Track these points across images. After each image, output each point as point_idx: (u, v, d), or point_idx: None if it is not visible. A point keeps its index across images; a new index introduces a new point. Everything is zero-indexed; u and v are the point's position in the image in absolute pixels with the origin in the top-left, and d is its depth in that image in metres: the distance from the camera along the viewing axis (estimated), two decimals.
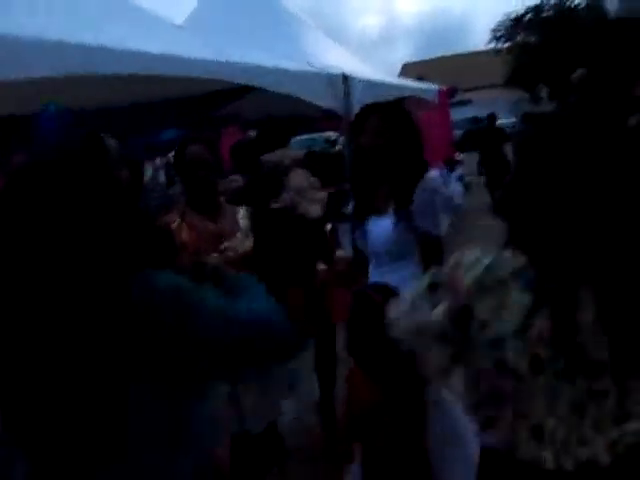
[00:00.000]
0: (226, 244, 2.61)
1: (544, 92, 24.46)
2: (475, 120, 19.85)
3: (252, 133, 9.88)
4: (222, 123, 6.05)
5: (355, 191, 2.74)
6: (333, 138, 18.78)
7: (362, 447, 2.02)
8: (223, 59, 3.05)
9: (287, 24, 5.79)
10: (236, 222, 2.74)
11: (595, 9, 22.73)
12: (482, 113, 21.59)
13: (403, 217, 2.34)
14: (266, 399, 2.69)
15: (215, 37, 4.26)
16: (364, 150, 2.50)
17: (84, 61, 2.28)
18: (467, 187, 11.41)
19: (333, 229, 3.55)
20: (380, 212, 2.47)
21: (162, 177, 8.28)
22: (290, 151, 3.62)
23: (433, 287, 1.30)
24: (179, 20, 5.81)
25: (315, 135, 13.52)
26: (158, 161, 8.30)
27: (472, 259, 1.23)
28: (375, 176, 2.50)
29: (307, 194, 3.27)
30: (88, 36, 2.43)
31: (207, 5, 6.22)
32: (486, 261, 1.21)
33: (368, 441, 2.00)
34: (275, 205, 3.21)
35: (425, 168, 2.48)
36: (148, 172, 6.30)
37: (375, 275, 2.52)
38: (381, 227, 2.43)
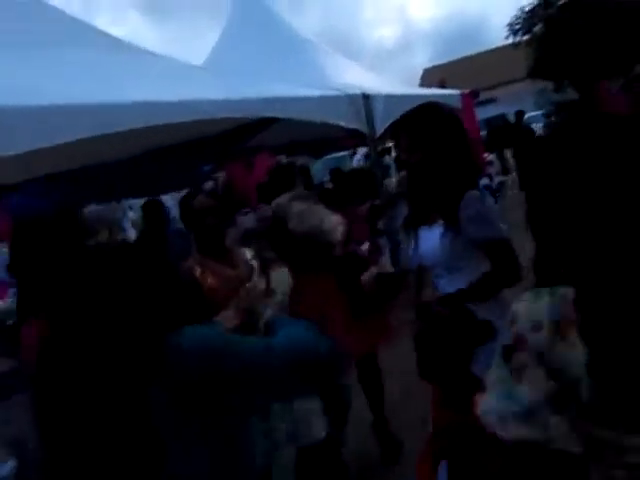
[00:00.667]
0: (247, 286, 2.66)
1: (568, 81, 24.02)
2: (502, 118, 19.57)
3: (282, 158, 10.07)
4: (251, 153, 6.20)
5: (409, 205, 2.63)
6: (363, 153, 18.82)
7: (448, 465, 1.95)
8: (244, 96, 3.16)
9: (302, 51, 5.90)
10: (247, 264, 2.85)
11: None
12: (509, 110, 21.31)
13: (451, 228, 2.21)
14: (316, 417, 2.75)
15: (235, 74, 4.39)
16: (407, 165, 2.44)
17: (108, 120, 2.39)
18: (500, 188, 11.08)
19: (374, 245, 3.56)
20: (430, 224, 2.35)
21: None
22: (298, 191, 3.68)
23: (507, 355, 1.28)
24: (199, 61, 6.03)
25: (342, 153, 13.57)
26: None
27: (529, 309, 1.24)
28: (421, 189, 2.40)
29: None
30: (112, 94, 2.56)
31: (224, 44, 6.41)
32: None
33: (454, 459, 1.94)
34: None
35: (475, 172, 2.41)
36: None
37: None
38: (431, 239, 2.32)
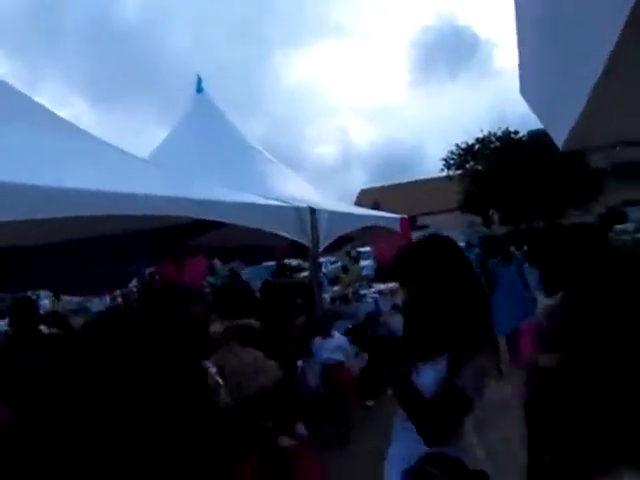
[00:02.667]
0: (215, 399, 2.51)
1: (496, 216, 25.61)
2: None
3: (216, 262, 9.86)
4: (190, 252, 5.99)
5: (405, 337, 2.37)
6: (294, 265, 18.82)
7: None
8: (193, 197, 3.03)
9: (251, 158, 5.95)
10: (214, 378, 2.64)
11: (537, 140, 24.41)
12: None
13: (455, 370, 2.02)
14: None
15: (183, 173, 4.30)
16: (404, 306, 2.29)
17: (45, 205, 2.22)
18: None
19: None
20: (428, 359, 2.16)
21: None
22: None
23: None
24: (145, 153, 5.93)
25: (270, 263, 13.40)
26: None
27: None
28: (422, 323, 2.22)
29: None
30: (50, 178, 2.39)
31: (172, 140, 6.39)
32: None
33: None
34: None
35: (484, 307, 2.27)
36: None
37: None
38: (429, 377, 2.10)
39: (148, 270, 7.34)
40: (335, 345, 5.60)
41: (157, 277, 7.86)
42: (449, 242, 2.27)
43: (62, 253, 4.06)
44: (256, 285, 8.58)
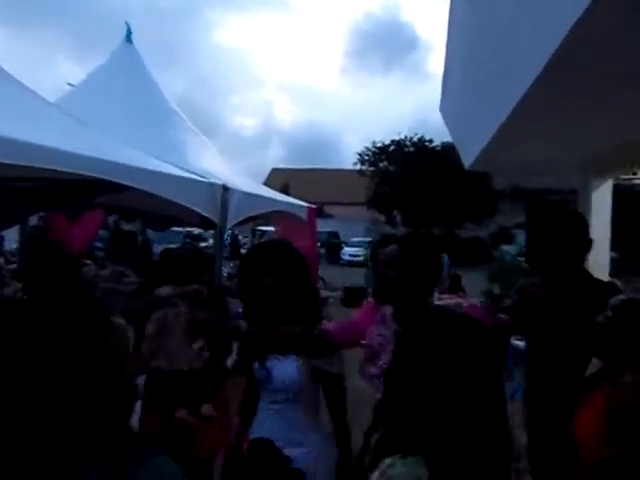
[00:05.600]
0: None
1: (399, 218, 26.45)
2: (334, 235, 20.93)
3: (112, 219, 9.51)
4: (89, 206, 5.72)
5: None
6: (196, 233, 18.54)
7: None
8: (108, 158, 2.91)
9: (169, 123, 5.77)
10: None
11: (449, 153, 25.49)
12: (341, 229, 22.81)
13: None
14: None
15: (97, 124, 4.08)
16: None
17: None
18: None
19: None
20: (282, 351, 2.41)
21: None
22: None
23: None
24: (56, 92, 5.55)
25: (176, 229, 13.15)
26: None
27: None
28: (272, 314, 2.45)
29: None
30: None
31: (87, 88, 6.04)
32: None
33: None
34: None
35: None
36: None
37: None
38: (285, 368, 2.39)
39: (32, 221, 6.97)
40: None
41: (45, 226, 7.47)
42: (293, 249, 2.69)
43: None
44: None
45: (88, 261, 9.30)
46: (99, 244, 14.71)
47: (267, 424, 2.27)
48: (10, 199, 3.59)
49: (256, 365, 2.35)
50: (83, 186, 3.83)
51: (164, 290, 3.36)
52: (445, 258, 10.77)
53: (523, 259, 9.25)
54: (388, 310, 2.34)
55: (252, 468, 1.97)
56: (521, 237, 21.46)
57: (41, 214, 6.91)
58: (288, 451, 2.11)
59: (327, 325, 2.57)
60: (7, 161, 2.39)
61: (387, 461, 1.34)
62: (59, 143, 2.77)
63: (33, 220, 7.02)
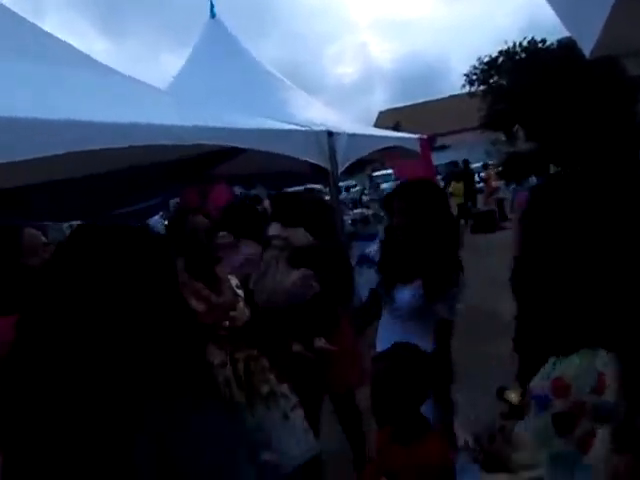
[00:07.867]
0: (232, 314, 2.71)
1: (520, 133, 24.92)
2: (454, 164, 20.25)
3: (238, 189, 9.95)
4: (207, 182, 6.09)
5: (383, 264, 2.92)
6: (317, 189, 18.87)
7: None
8: (212, 125, 3.07)
9: (266, 84, 5.93)
10: (233, 291, 2.79)
11: (566, 48, 23.26)
12: (459, 157, 22.00)
13: (430, 294, 2.63)
14: None
15: (200, 103, 4.31)
16: (394, 228, 2.82)
17: (75, 138, 2.25)
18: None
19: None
20: (405, 281, 2.72)
21: None
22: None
23: (564, 423, 1.23)
24: (163, 85, 5.92)
25: (300, 188, 13.50)
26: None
27: None
28: (403, 251, 2.75)
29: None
30: (75, 112, 2.39)
31: (188, 71, 6.35)
32: None
33: None
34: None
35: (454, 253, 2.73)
36: None
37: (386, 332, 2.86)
38: (405, 295, 2.72)
39: (173, 201, 7.49)
40: None
41: (182, 205, 8.00)
42: (439, 188, 3.01)
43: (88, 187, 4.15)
44: None
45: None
46: None
47: (389, 330, 2.74)
48: (148, 178, 3.92)
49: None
50: (201, 159, 4.10)
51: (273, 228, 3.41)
52: None
53: None
54: None
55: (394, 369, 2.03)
56: None
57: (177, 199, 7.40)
58: None
59: None
60: (132, 143, 2.55)
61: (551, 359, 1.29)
62: (177, 121, 2.98)
63: (172, 204, 7.58)
